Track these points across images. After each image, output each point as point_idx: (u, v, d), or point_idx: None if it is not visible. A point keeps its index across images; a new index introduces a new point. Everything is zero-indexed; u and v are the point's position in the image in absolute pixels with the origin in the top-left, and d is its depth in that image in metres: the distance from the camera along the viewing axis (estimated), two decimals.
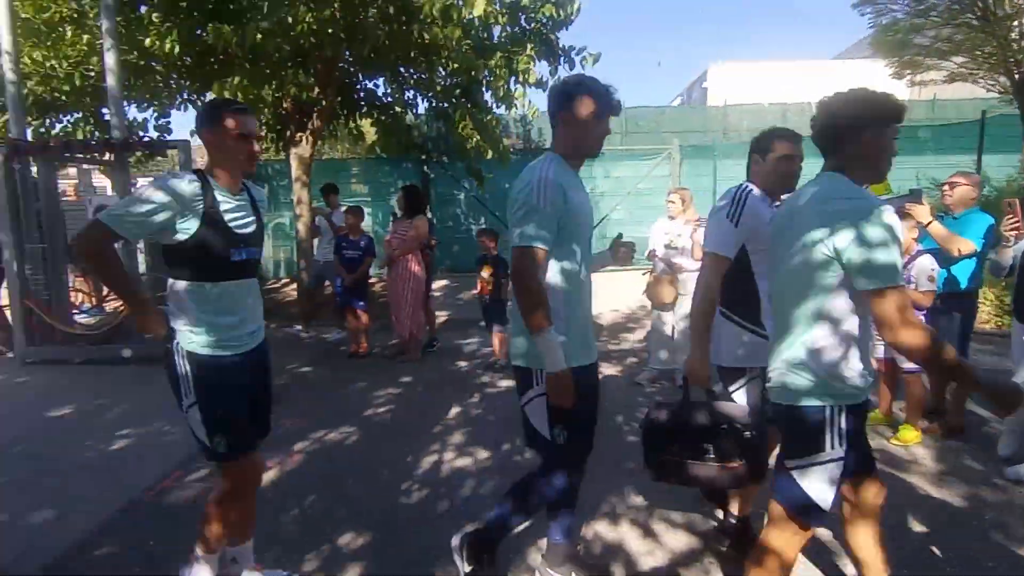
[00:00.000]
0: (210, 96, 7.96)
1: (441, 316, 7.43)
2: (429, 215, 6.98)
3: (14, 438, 3.95)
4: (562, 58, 6.87)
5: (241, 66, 6.21)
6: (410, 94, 8.76)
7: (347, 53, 6.69)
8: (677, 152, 10.36)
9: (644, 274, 5.06)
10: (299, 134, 7.53)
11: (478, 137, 6.77)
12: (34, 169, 5.92)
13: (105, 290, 6.95)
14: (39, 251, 5.71)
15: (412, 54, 7.18)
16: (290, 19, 5.59)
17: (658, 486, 3.01)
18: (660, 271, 4.71)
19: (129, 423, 4.16)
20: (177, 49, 6.50)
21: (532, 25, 6.69)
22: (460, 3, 5.67)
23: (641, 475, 3.17)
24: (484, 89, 6.90)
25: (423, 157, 10.29)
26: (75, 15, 6.99)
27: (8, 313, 5.86)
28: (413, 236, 5.52)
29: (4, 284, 5.82)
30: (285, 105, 7.44)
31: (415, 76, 8.23)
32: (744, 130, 15.59)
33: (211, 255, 2.00)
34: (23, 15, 6.74)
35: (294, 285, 8.59)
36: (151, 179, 1.98)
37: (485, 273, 5.28)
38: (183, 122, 37.50)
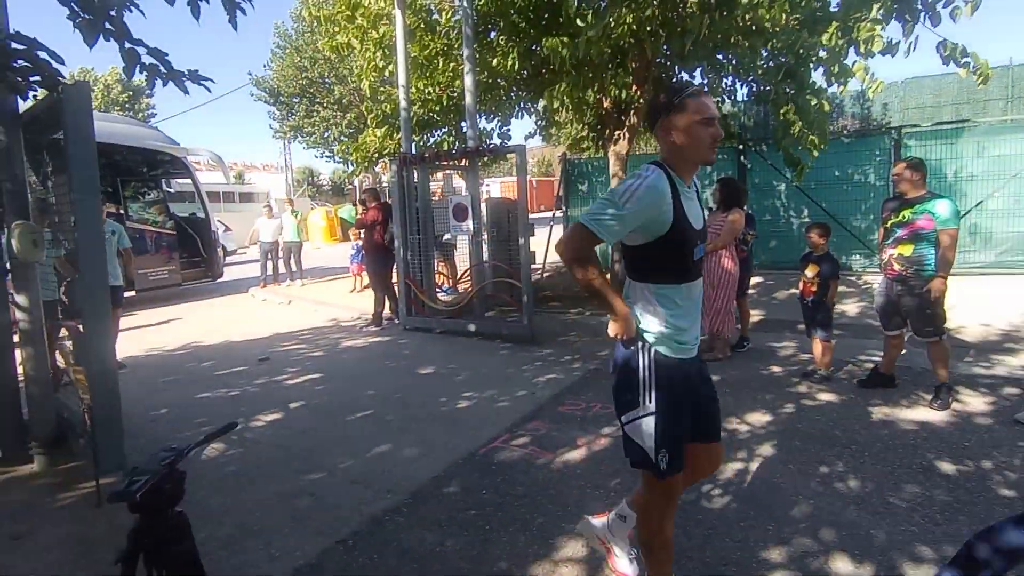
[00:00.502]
0: (541, 104, 8.95)
1: (755, 316, 6.97)
2: (746, 208, 6.56)
3: (395, 387, 5.13)
4: (923, 12, 5.65)
5: (568, 73, 6.77)
6: (728, 81, 8.36)
7: (665, 48, 6.70)
8: None
9: None
10: (617, 132, 7.88)
11: (799, 123, 6.06)
12: (415, 175, 7.51)
13: (460, 273, 8.46)
14: (416, 241, 7.25)
15: (733, 39, 6.82)
16: (611, 23, 5.86)
17: None
18: None
19: (472, 387, 5.01)
20: (517, 65, 7.46)
21: None
22: None
23: None
24: (813, 67, 6.13)
25: (740, 146, 9.71)
26: (445, 48, 8.55)
27: (397, 289, 7.61)
28: (728, 230, 5.30)
29: (395, 266, 7.56)
30: (605, 105, 7.87)
31: (733, 62, 7.81)
32: None
33: (679, 254, 1.93)
34: (412, 54, 8.56)
35: (608, 275, 9.08)
36: (626, 179, 1.90)
37: (809, 272, 4.76)
38: (520, 128, 43.30)
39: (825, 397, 4.39)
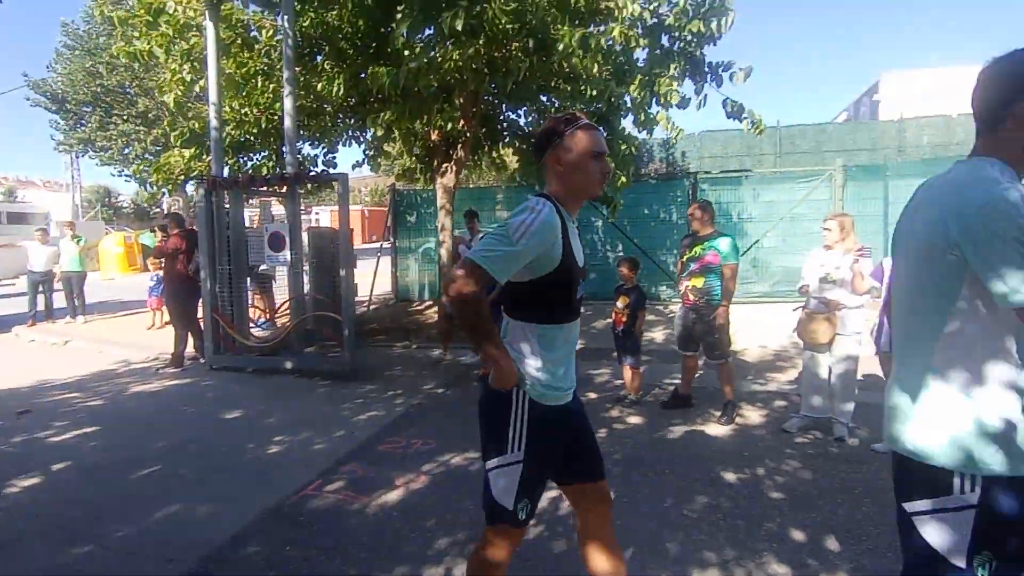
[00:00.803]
0: (370, 133, 8.77)
1: None
2: None
3: (193, 436, 4.52)
4: (709, 75, 6.57)
5: (395, 103, 6.71)
6: None
7: (491, 86, 6.96)
8: (840, 173, 9.39)
9: (795, 309, 4.59)
10: (445, 164, 7.96)
11: (611, 164, 6.66)
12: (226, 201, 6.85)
13: (278, 306, 7.82)
14: (226, 272, 6.57)
15: (553, 83, 7.31)
16: (439, 58, 5.96)
17: (804, 552, 2.68)
18: (814, 307, 4.23)
19: (284, 430, 4.58)
20: (343, 91, 7.24)
21: (677, 44, 6.49)
22: (601, 29, 5.67)
23: (783, 542, 2.84)
24: (623, 115, 6.79)
25: None
26: (265, 68, 8.05)
27: (203, 324, 6.80)
28: None
29: (200, 299, 6.77)
30: (433, 137, 7.92)
31: (556, 105, 8.37)
32: (925, 146, 13.83)
33: (565, 292, 1.85)
34: (227, 70, 7.91)
35: (436, 308, 9.03)
36: (517, 213, 1.77)
37: (620, 303, 5.12)
38: (347, 157, 42.64)
39: (634, 420, 4.70)
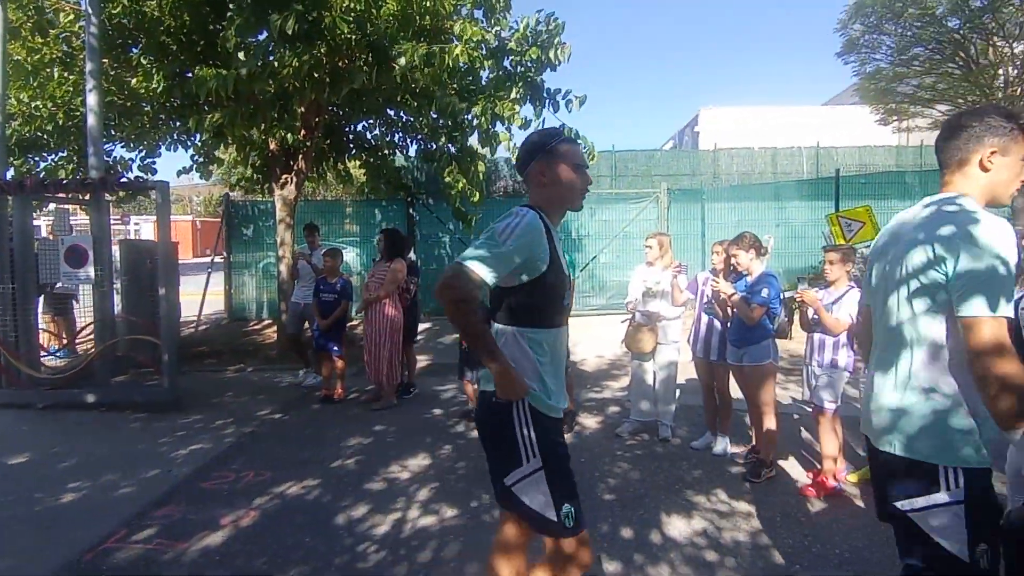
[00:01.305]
0: (197, 138, 8.03)
1: (422, 361, 7.27)
2: (413, 257, 6.87)
3: None
4: (548, 101, 6.92)
5: (224, 107, 6.21)
6: (399, 136, 8.83)
7: (333, 96, 6.71)
8: (665, 195, 10.39)
9: (623, 321, 4.95)
10: (284, 175, 7.52)
11: (464, 180, 6.74)
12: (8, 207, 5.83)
13: (76, 331, 6.78)
14: (9, 291, 5.58)
15: (400, 98, 7.24)
16: (275, 63, 5.62)
17: (632, 549, 2.85)
18: (639, 319, 4.60)
19: (81, 474, 3.96)
20: (163, 90, 6.54)
21: (518, 68, 6.75)
22: (443, 48, 5.72)
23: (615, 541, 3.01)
24: (469, 133, 6.92)
25: (409, 199, 10.30)
26: (64, 56, 7.03)
27: None
28: (390, 279, 5.42)
29: None
30: (272, 146, 7.45)
31: (403, 119, 8.30)
32: (735, 173, 15.78)
33: (553, 295, 1.88)
34: (15, 57, 6.79)
35: (275, 327, 8.44)
36: (502, 219, 1.81)
37: None
38: (171, 163, 38.35)
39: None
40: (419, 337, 7.08)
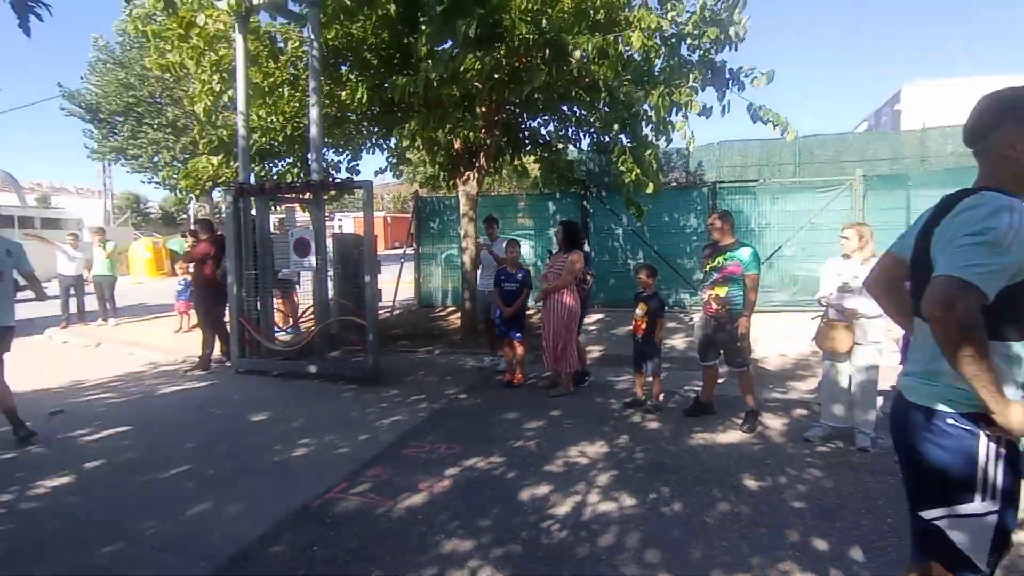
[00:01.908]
0: (393, 140, 8.92)
1: (595, 351, 7.36)
2: (587, 249, 6.99)
3: (220, 437, 4.62)
4: (731, 81, 6.59)
5: (418, 112, 6.83)
6: (572, 130, 9.00)
7: (513, 95, 7.04)
8: (860, 183, 9.29)
9: (814, 318, 4.56)
10: (467, 172, 8.05)
11: (637, 171, 6.69)
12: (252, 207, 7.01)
13: (300, 312, 7.96)
14: (252, 277, 6.72)
15: (574, 93, 7.36)
16: (459, 67, 6.05)
17: (827, 561, 2.68)
18: (833, 316, 4.21)
19: (308, 432, 4.67)
20: (366, 100, 7.38)
21: (696, 53, 6.51)
22: (618, 38, 5.71)
23: (806, 551, 2.84)
24: (644, 123, 6.83)
25: (582, 192, 10.43)
26: (291, 78, 8.23)
27: (229, 328, 6.95)
28: (568, 270, 5.57)
29: (227, 303, 6.92)
30: (456, 145, 8.03)
31: (577, 114, 8.43)
32: (947, 155, 13.62)
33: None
34: (254, 80, 8.11)
35: (459, 313, 9.10)
36: (990, 215, 1.48)
37: (639, 310, 5.14)
38: (369, 164, 43.17)
39: (655, 427, 4.70)
40: (591, 328, 7.18)
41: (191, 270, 7.45)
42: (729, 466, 3.89)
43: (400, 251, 12.17)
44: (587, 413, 5.09)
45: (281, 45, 8.33)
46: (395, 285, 10.01)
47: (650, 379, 5.15)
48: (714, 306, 4.67)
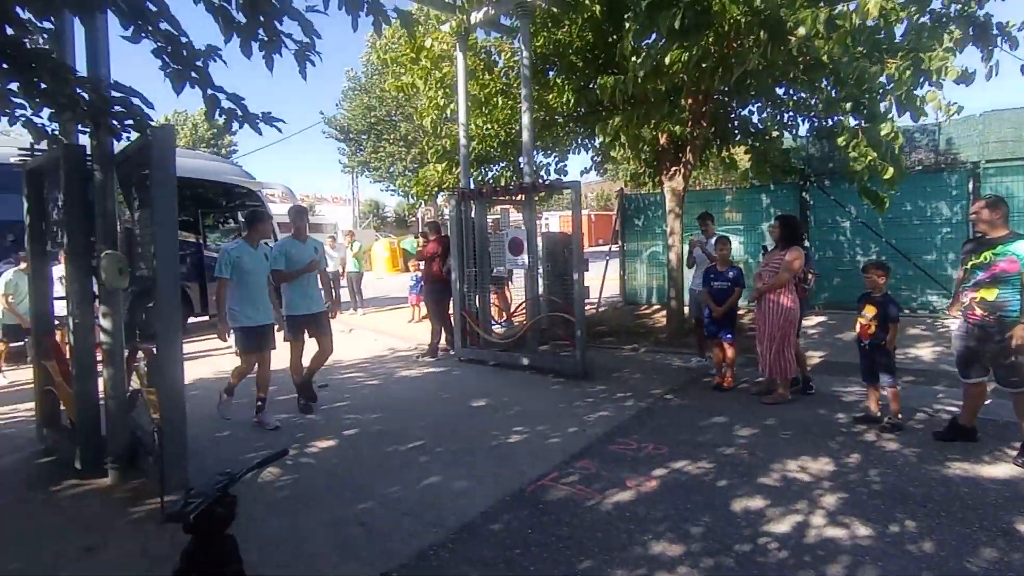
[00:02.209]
0: (598, 140, 9.04)
1: (816, 357, 6.67)
2: (807, 245, 6.34)
3: (447, 419, 5.17)
4: (1000, 38, 5.43)
5: (623, 110, 6.82)
6: (788, 115, 8.22)
7: (722, 83, 6.66)
8: None
9: None
10: (673, 168, 7.84)
11: (873, 155, 5.84)
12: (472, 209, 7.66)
13: (514, 307, 8.51)
14: (473, 274, 7.37)
15: (792, 74, 6.71)
16: (665, 60, 5.89)
17: None
18: None
19: (523, 421, 4.99)
20: (573, 102, 7.59)
21: (953, 7, 5.48)
22: (852, 6, 5.04)
23: None
24: (880, 98, 5.94)
25: (801, 182, 9.45)
26: (504, 87, 8.80)
27: (453, 320, 7.73)
28: (786, 268, 5.13)
29: (451, 299, 7.69)
30: (662, 141, 7.86)
31: (794, 97, 7.68)
32: None
33: None
34: (472, 93, 8.86)
35: (664, 311, 8.93)
36: None
37: (868, 313, 4.54)
38: (577, 163, 44.13)
39: (894, 448, 4.12)
40: (811, 331, 6.52)
41: (421, 267, 8.41)
42: (999, 505, 3.26)
43: (604, 248, 12.28)
44: (808, 425, 4.64)
45: (495, 58, 8.96)
46: (600, 282, 10.15)
47: (886, 392, 4.51)
48: (979, 312, 3.92)
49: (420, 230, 10.84)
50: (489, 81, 8.91)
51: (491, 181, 9.74)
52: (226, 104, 3.26)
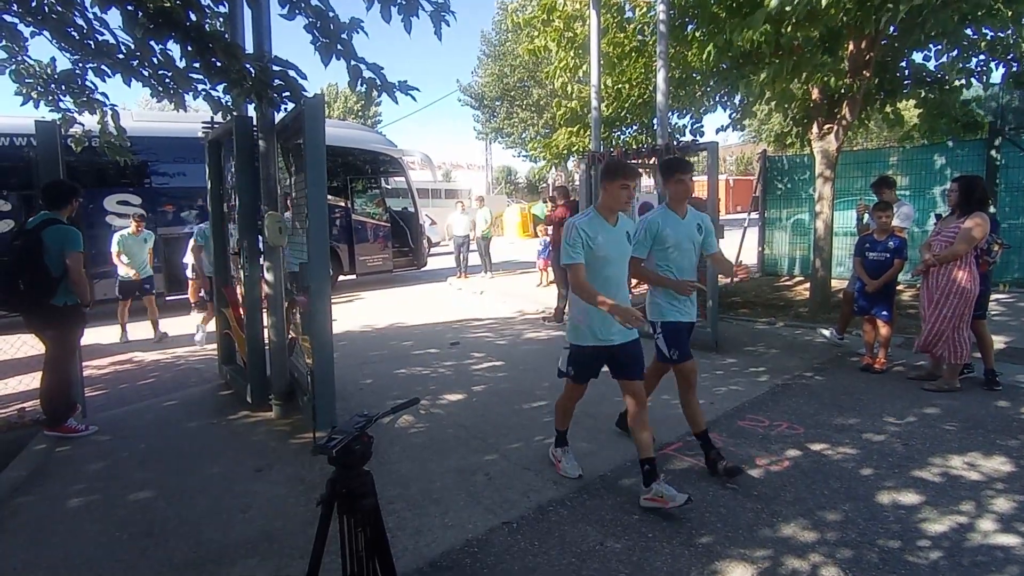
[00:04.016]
0: (738, 97, 8.37)
1: (998, 342, 5.80)
2: (993, 211, 5.45)
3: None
4: None
5: (769, 62, 6.24)
6: (978, 60, 7.02)
7: (890, 23, 5.80)
8: None
9: None
10: (827, 126, 7.08)
11: None
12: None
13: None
14: None
15: (993, 6, 5.71)
16: (822, 2, 5.25)
17: None
18: None
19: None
20: (714, 58, 7.06)
21: None
22: None
23: None
24: None
25: (989, 138, 8.10)
26: (639, 44, 8.43)
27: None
28: (963, 238, 4.46)
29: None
30: (814, 96, 7.11)
31: (989, 36, 6.54)
32: None
33: None
34: (605, 52, 8.58)
35: (807, 284, 8.24)
36: None
37: None
38: (713, 122, 40.86)
39: None
40: (995, 313, 5.65)
41: (550, 232, 8.46)
42: None
43: (742, 216, 11.52)
44: (981, 419, 4.09)
45: (629, 15, 8.57)
46: (737, 251, 9.57)
47: None
48: None
49: (549, 195, 10.86)
50: (622, 39, 8.58)
51: (621, 144, 9.46)
52: (367, 74, 3.46)
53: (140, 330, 7.96)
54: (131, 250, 7.60)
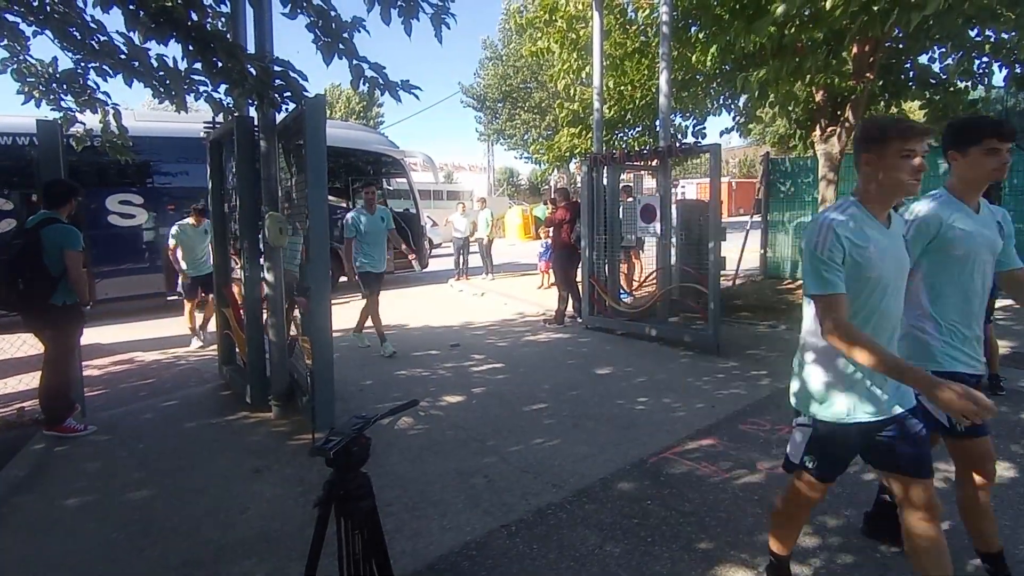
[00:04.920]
0: (742, 99, 8.36)
1: (1003, 347, 5.76)
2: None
3: (571, 384, 5.20)
4: None
5: (768, 63, 6.23)
6: (981, 62, 7.02)
7: (895, 27, 5.80)
8: None
9: None
10: (830, 128, 7.07)
11: None
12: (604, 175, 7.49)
13: (644, 276, 8.29)
14: (603, 241, 7.26)
15: (998, 9, 5.69)
16: (825, 4, 5.24)
17: None
18: None
19: (647, 391, 4.90)
20: (717, 59, 7.06)
21: None
22: None
23: None
24: None
25: None
26: (641, 46, 8.43)
27: (581, 288, 7.71)
28: None
29: (579, 265, 7.65)
30: (817, 98, 7.10)
31: (993, 38, 6.53)
32: None
33: None
34: (607, 52, 8.58)
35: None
36: None
37: None
38: (716, 125, 40.94)
39: None
40: (1000, 318, 5.62)
41: (551, 234, 8.44)
42: None
43: (744, 219, 11.48)
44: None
45: (632, 15, 8.57)
46: (739, 254, 9.54)
47: None
48: None
49: (550, 196, 10.84)
50: (625, 40, 8.58)
51: (623, 146, 9.45)
52: (369, 73, 3.45)
53: (141, 330, 7.96)
54: (191, 243, 7.05)
